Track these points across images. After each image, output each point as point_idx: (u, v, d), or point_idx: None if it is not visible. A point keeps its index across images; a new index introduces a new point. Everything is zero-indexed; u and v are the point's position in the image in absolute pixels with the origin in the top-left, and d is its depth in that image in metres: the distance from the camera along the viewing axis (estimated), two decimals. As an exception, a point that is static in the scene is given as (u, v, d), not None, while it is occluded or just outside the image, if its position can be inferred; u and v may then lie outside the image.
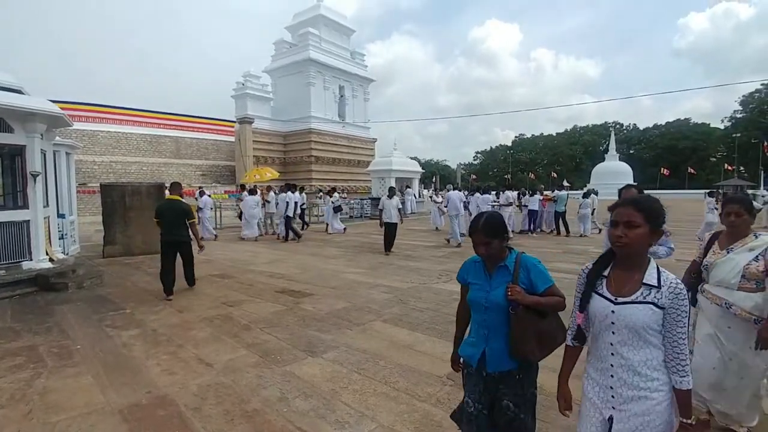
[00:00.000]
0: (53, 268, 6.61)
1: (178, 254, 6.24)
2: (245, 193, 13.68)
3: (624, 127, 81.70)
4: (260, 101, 28.99)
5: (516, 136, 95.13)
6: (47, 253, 6.85)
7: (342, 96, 31.32)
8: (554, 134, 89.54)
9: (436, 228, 15.53)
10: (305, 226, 15.75)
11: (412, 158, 26.71)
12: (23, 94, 6.51)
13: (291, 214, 12.64)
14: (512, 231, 13.60)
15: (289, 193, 12.94)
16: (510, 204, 13.85)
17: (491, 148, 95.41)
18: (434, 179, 39.62)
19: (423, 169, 29.13)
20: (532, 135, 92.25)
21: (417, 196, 23.74)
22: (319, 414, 2.79)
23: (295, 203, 12.90)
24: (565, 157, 79.99)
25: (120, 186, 9.97)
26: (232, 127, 27.62)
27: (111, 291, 6.34)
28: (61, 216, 8.71)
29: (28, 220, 6.47)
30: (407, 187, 20.90)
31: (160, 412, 2.87)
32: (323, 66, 29.14)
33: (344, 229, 14.89)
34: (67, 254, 8.61)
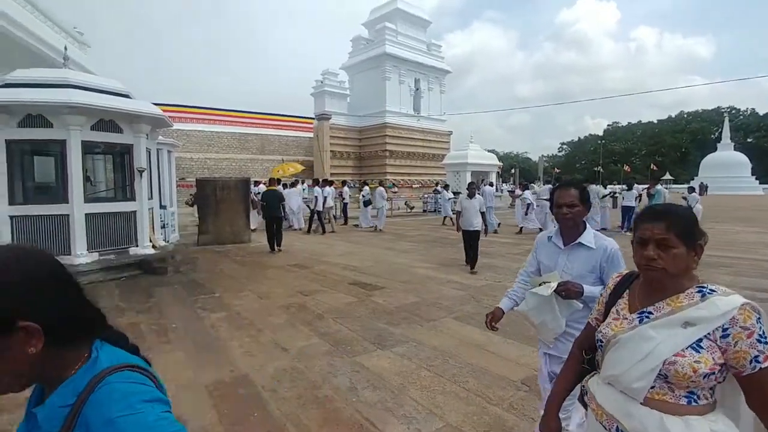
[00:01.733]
0: (155, 253, 7.39)
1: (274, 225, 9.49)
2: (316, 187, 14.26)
3: (740, 113, 71.60)
4: (337, 98, 29.91)
5: (608, 125, 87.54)
6: (150, 241, 7.67)
7: (417, 89, 31.21)
8: (655, 121, 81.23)
9: (520, 230, 14.73)
10: (345, 222, 15.89)
11: (489, 151, 25.91)
12: (130, 98, 7.30)
13: (321, 209, 13.11)
14: (603, 228, 12.67)
15: (317, 188, 13.45)
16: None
17: (579, 138, 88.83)
18: (513, 172, 37.96)
19: (501, 162, 28.06)
20: (628, 123, 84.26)
21: (495, 191, 22.86)
22: (386, 407, 2.79)
23: (325, 198, 13.34)
24: (667, 147, 72.23)
25: (212, 181, 10.87)
26: (311, 123, 28.84)
27: (203, 276, 6.93)
28: (162, 207, 9.69)
29: (135, 211, 7.29)
30: (482, 181, 20.18)
31: (240, 391, 3.06)
32: (399, 60, 29.24)
33: (375, 226, 14.38)
34: (168, 242, 9.57)
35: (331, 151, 28.06)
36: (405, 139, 29.72)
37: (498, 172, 25.73)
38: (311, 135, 29.01)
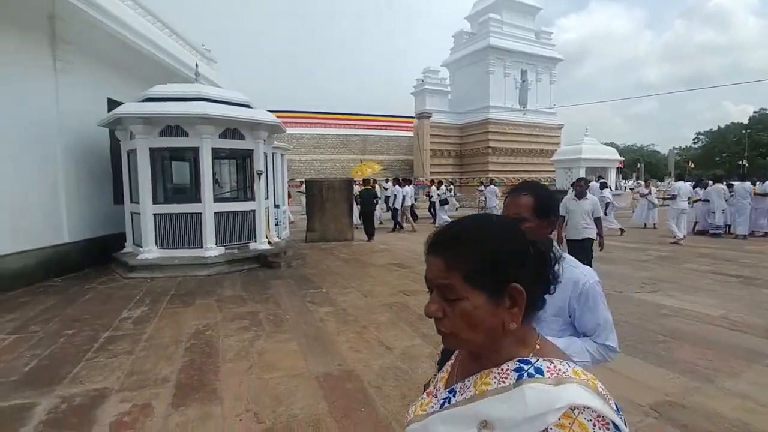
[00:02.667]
0: (270, 249, 8.06)
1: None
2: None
3: None
4: (438, 95, 29.68)
5: (755, 112, 73.66)
6: (266, 237, 8.39)
7: (524, 81, 29.49)
8: None
9: (644, 225, 13.36)
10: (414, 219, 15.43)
11: (607, 145, 23.57)
12: (251, 108, 8.05)
13: (398, 206, 13.36)
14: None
15: (397, 186, 13.64)
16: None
17: (719, 127, 76.11)
18: (638, 167, 33.89)
19: (622, 156, 25.28)
20: (781, 110, 70.26)
21: (614, 188, 20.47)
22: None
23: (403, 196, 13.42)
24: (828, 137, 58.88)
25: (319, 181, 11.56)
26: (411, 123, 29.06)
27: (311, 272, 7.37)
28: (276, 206, 10.56)
29: (254, 210, 8.04)
30: (600, 179, 17.91)
31: (347, 385, 3.16)
32: (504, 51, 27.93)
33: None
34: (281, 238, 10.40)
35: (431, 149, 28.02)
36: (509, 134, 28.40)
37: (619, 168, 23.21)
38: (411, 134, 29.28)
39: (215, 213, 7.60)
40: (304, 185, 15.80)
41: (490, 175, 26.69)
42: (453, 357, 0.87)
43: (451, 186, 20.53)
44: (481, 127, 28.16)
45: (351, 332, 4.27)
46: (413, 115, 29.38)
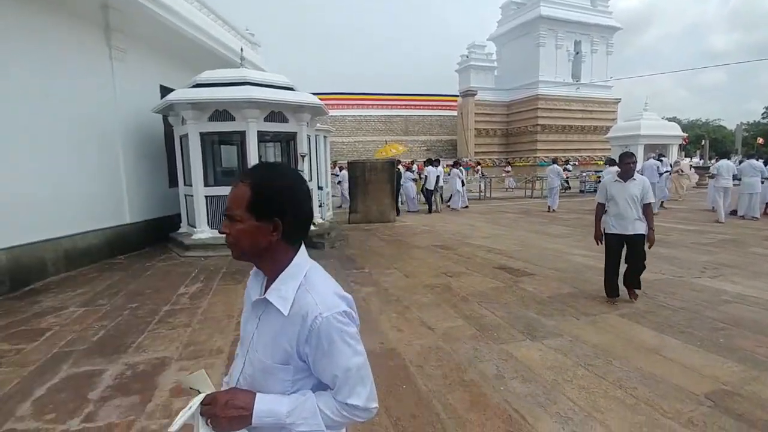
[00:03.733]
0: (315, 230, 8.23)
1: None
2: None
3: None
4: (484, 72, 28.66)
5: (840, 79, 65.28)
6: (312, 218, 8.57)
7: (578, 53, 27.71)
8: None
9: (713, 208, 12.43)
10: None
11: (669, 120, 21.90)
12: (294, 90, 8.14)
13: (431, 187, 13.25)
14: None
15: (429, 167, 13.47)
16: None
17: (794, 99, 68.44)
18: (702, 144, 31.32)
19: (685, 132, 23.42)
20: None
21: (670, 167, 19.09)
22: (538, 402, 2.61)
23: (437, 177, 13.33)
24: None
25: (361, 163, 11.61)
26: (455, 101, 28.36)
27: (354, 252, 7.49)
28: (319, 188, 10.74)
29: (301, 191, 8.20)
30: (660, 156, 16.90)
31: (390, 363, 3.21)
32: (555, 21, 26.32)
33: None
34: (324, 219, 10.60)
35: (475, 129, 27.31)
36: (561, 111, 27.02)
37: (682, 145, 21.55)
38: (455, 114, 28.61)
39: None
40: (337, 169, 15.96)
41: (539, 155, 25.70)
42: None
43: (460, 167, 19.83)
44: (529, 104, 27.00)
45: (393, 312, 4.32)
46: (457, 94, 28.63)
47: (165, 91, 8.44)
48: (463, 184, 14.41)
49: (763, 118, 72.59)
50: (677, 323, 3.76)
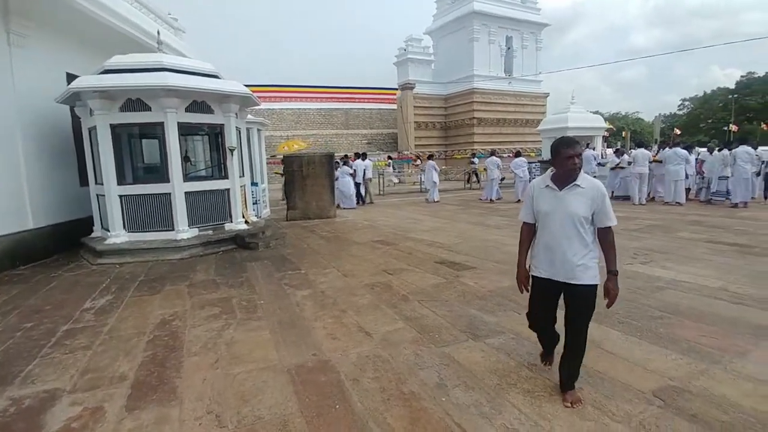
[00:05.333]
0: (248, 229, 7.68)
1: None
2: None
3: None
4: (421, 65, 28.84)
5: (742, 76, 73.03)
6: (243, 216, 7.98)
7: (509, 48, 28.68)
8: None
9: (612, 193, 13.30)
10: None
11: (593, 113, 23.22)
12: (219, 78, 7.48)
13: (361, 181, 13.69)
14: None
15: (358, 161, 13.91)
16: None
17: (704, 93, 75.35)
18: (624, 135, 33.81)
19: (607, 124, 24.99)
20: (766, 73, 69.88)
21: (600, 157, 20.30)
22: (482, 412, 2.40)
23: (364, 170, 13.83)
24: (815, 100, 59.20)
25: (298, 156, 11.07)
26: (395, 95, 28.29)
27: (291, 252, 7.03)
28: (254, 184, 10.10)
29: (228, 189, 7.59)
30: (587, 145, 18.00)
31: (322, 378, 2.88)
32: (488, 17, 27.01)
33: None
34: (260, 217, 9.99)
35: (415, 122, 27.42)
36: (495, 104, 27.85)
37: (604, 137, 23.02)
38: (395, 107, 28.55)
39: (186, 193, 7.15)
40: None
41: (476, 147, 26.35)
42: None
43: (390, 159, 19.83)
44: (466, 97, 27.57)
45: (329, 317, 3.97)
46: (396, 87, 28.58)
47: (72, 79, 7.44)
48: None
49: (679, 109, 79.75)
50: (615, 313, 3.74)
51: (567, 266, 2.43)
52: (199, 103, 7.19)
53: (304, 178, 10.70)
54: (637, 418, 2.27)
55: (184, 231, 7.06)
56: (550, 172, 2.55)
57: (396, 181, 22.54)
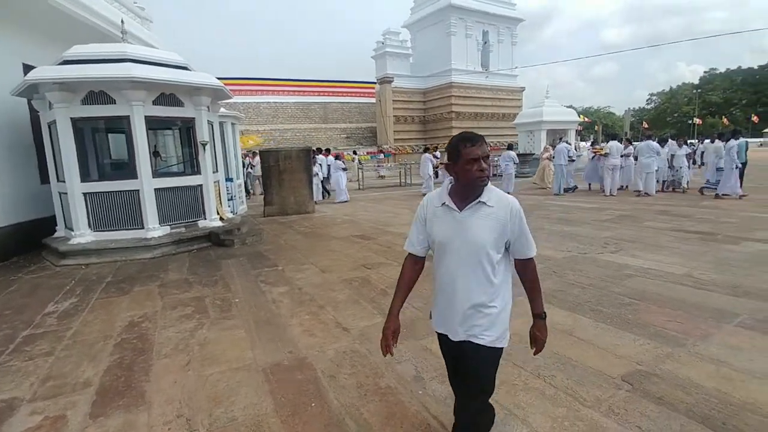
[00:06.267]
0: (223, 226, 7.51)
1: None
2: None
3: None
4: (400, 59, 28.75)
5: (705, 72, 75.74)
6: (218, 213, 7.80)
7: (486, 42, 28.88)
8: (756, 67, 68.99)
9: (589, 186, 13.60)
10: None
11: (567, 107, 23.70)
12: (189, 70, 7.26)
13: (326, 176, 13.92)
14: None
15: (321, 156, 14.11)
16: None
17: (671, 88, 78.08)
18: (596, 129, 34.64)
19: (582, 118, 25.57)
20: (727, 69, 72.60)
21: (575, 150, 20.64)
22: (458, 405, 2.40)
23: (329, 166, 13.96)
24: (770, 96, 61.88)
25: (275, 151, 10.88)
26: (374, 88, 28.14)
27: (268, 248, 6.92)
28: (229, 180, 9.89)
29: (201, 184, 7.39)
30: (560, 139, 18.45)
31: (298, 376, 2.83)
32: (464, 11, 27.10)
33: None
34: (236, 213, 9.79)
35: (394, 116, 27.36)
36: (472, 98, 28.04)
37: (578, 130, 23.51)
38: (374, 101, 28.41)
39: (156, 189, 6.93)
40: (257, 157, 15.10)
41: (454, 141, 26.49)
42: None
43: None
44: (444, 91, 27.65)
45: (306, 314, 3.92)
46: (375, 81, 28.42)
47: (30, 70, 7.07)
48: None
49: (647, 104, 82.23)
50: (587, 301, 3.82)
51: (466, 319, 1.71)
52: (167, 95, 6.95)
53: (281, 173, 10.53)
54: (606, 402, 2.32)
55: (154, 229, 6.85)
56: (448, 183, 1.76)
57: (381, 174, 22.48)
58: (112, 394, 2.72)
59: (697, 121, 47.07)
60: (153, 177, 6.91)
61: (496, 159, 21.67)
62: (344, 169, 13.65)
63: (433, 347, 3.07)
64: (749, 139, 13.33)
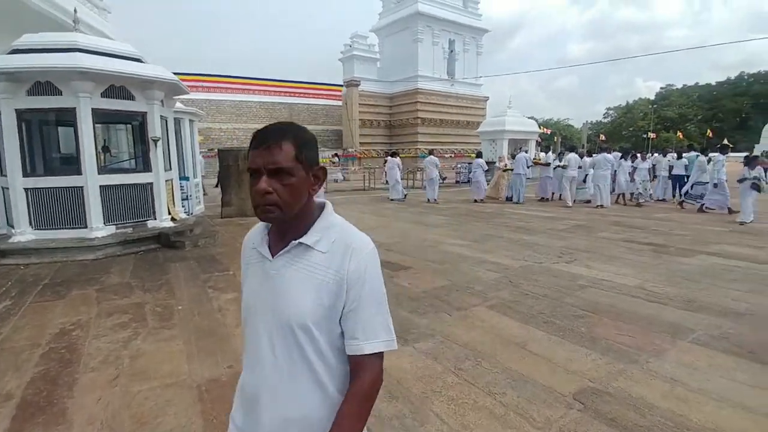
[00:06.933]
0: (174, 227, 7.12)
1: None
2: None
3: None
4: (367, 63, 28.72)
5: (661, 88, 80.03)
6: (170, 213, 7.40)
7: (452, 51, 29.32)
8: (713, 84, 73.98)
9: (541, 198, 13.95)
10: None
11: (529, 118, 24.37)
12: (142, 62, 6.87)
13: None
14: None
15: None
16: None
17: (627, 102, 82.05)
18: (556, 140, 35.86)
19: (542, 129, 26.37)
20: (684, 85, 77.23)
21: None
22: (404, 425, 2.28)
23: None
24: (726, 112, 65.94)
25: (234, 150, 10.51)
26: (341, 91, 27.93)
27: (221, 251, 6.61)
28: (184, 179, 9.45)
29: (152, 183, 7.00)
30: (520, 149, 18.98)
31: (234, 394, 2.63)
32: (432, 19, 27.42)
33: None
34: (191, 214, 9.36)
35: (360, 119, 27.24)
36: (438, 105, 28.35)
37: (538, 141, 24.21)
38: (341, 103, 28.19)
39: (102, 186, 6.51)
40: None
41: (419, 147, 26.68)
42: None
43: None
44: (410, 97, 27.81)
45: (253, 323, 3.71)
46: (342, 83, 28.21)
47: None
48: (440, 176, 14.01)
49: (605, 117, 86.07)
50: (541, 312, 3.82)
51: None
52: (118, 88, 6.55)
53: (241, 173, 10.15)
54: (557, 423, 2.26)
55: (98, 228, 6.41)
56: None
57: (341, 178, 22.25)
58: (33, 410, 2.46)
59: (651, 135, 49.77)
60: (99, 173, 6.50)
61: (460, 166, 22.06)
62: None
63: (386, 362, 2.95)
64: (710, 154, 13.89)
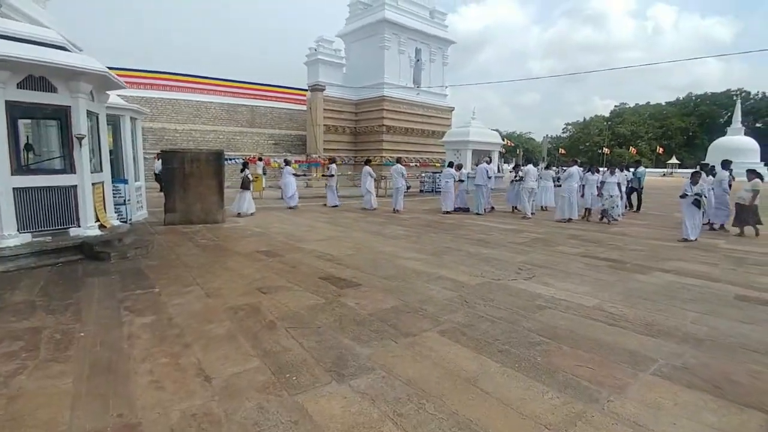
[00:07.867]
0: (101, 236, 6.38)
1: None
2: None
3: (750, 96, 67.05)
4: (332, 68, 28.22)
5: (616, 106, 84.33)
6: (98, 220, 6.66)
7: (418, 60, 29.29)
8: (663, 103, 78.65)
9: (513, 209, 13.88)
10: None
11: (494, 130, 24.62)
12: (68, 51, 6.15)
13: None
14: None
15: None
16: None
17: (584, 119, 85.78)
18: (518, 153, 36.62)
19: (506, 141, 26.79)
20: (636, 104, 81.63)
21: (496, 171, 21.11)
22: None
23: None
24: (674, 130, 70.16)
25: (180, 152, 9.77)
26: (305, 95, 27.26)
27: (152, 264, 5.94)
28: (122, 182, 8.66)
29: (75, 185, 6.25)
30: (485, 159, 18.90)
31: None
32: (399, 27, 27.29)
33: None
34: (129, 221, 8.57)
35: (325, 125, 26.68)
36: (404, 114, 28.19)
37: (501, 152, 24.49)
38: (305, 108, 27.52)
39: (15, 189, 5.75)
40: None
41: (384, 155, 26.40)
42: None
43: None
44: (376, 104, 27.52)
45: (164, 355, 3.15)
46: (306, 88, 27.57)
47: None
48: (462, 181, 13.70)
49: (563, 132, 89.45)
50: (496, 338, 3.47)
51: None
52: (37, 78, 5.82)
53: (186, 177, 9.43)
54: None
55: (10, 237, 5.63)
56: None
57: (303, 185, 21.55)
58: None
59: (605, 150, 51.94)
60: (13, 174, 5.72)
61: (424, 175, 21.92)
62: (295, 175, 13.67)
63: (311, 407, 2.49)
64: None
